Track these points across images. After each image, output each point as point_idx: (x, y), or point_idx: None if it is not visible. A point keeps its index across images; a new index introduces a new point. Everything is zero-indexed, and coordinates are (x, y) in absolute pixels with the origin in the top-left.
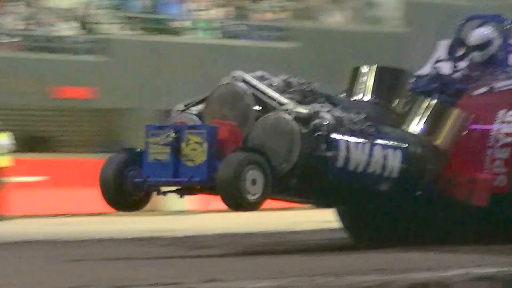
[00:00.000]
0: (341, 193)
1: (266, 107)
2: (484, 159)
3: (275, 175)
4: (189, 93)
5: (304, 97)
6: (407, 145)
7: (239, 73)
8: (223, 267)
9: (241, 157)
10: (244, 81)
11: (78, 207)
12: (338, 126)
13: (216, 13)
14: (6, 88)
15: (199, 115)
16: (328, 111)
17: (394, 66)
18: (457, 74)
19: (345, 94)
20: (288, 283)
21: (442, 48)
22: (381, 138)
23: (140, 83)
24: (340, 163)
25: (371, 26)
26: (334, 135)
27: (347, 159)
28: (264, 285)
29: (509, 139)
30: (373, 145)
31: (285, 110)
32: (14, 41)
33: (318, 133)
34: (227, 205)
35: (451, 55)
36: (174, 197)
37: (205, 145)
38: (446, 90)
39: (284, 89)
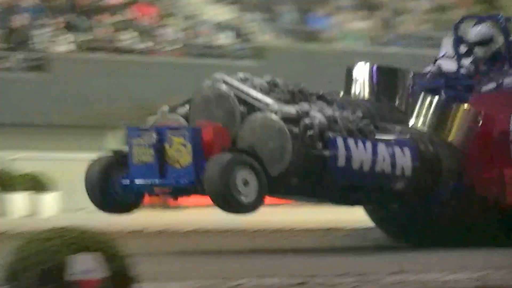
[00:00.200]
0: (349, 192)
1: (252, 109)
2: (510, 155)
3: (270, 175)
4: None
5: (293, 97)
6: (416, 142)
7: (219, 75)
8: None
9: (228, 157)
10: (225, 82)
11: None
12: (332, 125)
13: (362, 24)
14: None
15: (186, 116)
16: (319, 110)
17: (390, 65)
18: (463, 70)
19: (342, 93)
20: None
21: (446, 45)
22: (386, 137)
23: None
24: (341, 162)
25: None
26: (329, 134)
27: (349, 158)
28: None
29: None
30: (375, 143)
31: (271, 110)
32: (175, 49)
33: (309, 132)
34: (219, 207)
35: (456, 52)
36: None
37: (189, 146)
38: (454, 86)
39: (270, 89)
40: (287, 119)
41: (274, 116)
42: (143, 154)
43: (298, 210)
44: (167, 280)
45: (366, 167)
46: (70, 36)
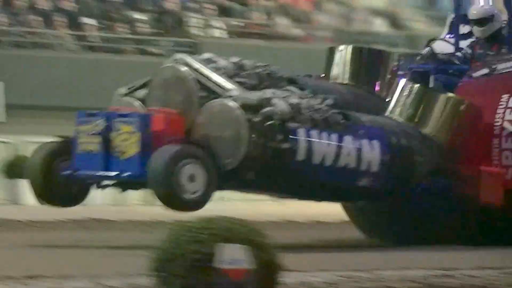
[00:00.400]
0: (309, 188)
1: (214, 94)
2: (491, 150)
3: (222, 169)
4: None
5: (261, 82)
6: (388, 134)
7: (181, 56)
8: None
9: (174, 149)
10: (187, 64)
11: None
12: (296, 114)
13: None
14: None
15: (144, 100)
16: (284, 97)
17: (372, 47)
18: (458, 53)
19: (321, 77)
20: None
21: (449, 24)
22: (354, 127)
23: None
24: (300, 156)
25: None
26: (290, 125)
27: (310, 151)
28: None
29: None
30: (341, 135)
31: (231, 97)
32: (326, 36)
33: (269, 122)
34: (162, 203)
35: (453, 32)
36: None
37: (137, 135)
38: (446, 71)
39: (236, 72)
40: (246, 106)
41: (232, 103)
42: (89, 142)
43: None
44: (311, 271)
45: (328, 162)
46: (223, 21)
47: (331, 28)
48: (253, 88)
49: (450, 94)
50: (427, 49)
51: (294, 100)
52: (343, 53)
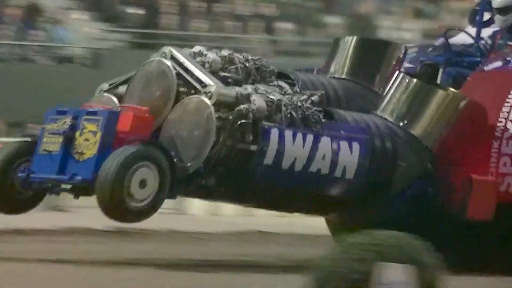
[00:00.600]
0: (275, 197)
1: (196, 89)
2: (489, 155)
3: (181, 174)
4: None
5: (248, 76)
6: (372, 136)
7: (168, 48)
8: None
9: (128, 151)
10: (172, 57)
11: None
12: (274, 112)
13: None
14: None
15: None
16: (263, 94)
17: (377, 38)
18: (478, 44)
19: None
20: None
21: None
22: (334, 127)
23: None
24: (268, 159)
25: None
26: (264, 124)
27: (280, 154)
28: None
29: None
30: (318, 136)
31: (206, 93)
32: None
33: (241, 122)
34: (102, 211)
35: (473, 22)
36: None
37: (99, 135)
38: (459, 63)
39: (224, 66)
40: (221, 103)
41: (206, 100)
42: (50, 142)
43: None
44: None
45: (298, 167)
46: (415, 23)
47: None
48: (238, 83)
49: (450, 90)
50: (440, 39)
51: (275, 96)
52: (346, 45)
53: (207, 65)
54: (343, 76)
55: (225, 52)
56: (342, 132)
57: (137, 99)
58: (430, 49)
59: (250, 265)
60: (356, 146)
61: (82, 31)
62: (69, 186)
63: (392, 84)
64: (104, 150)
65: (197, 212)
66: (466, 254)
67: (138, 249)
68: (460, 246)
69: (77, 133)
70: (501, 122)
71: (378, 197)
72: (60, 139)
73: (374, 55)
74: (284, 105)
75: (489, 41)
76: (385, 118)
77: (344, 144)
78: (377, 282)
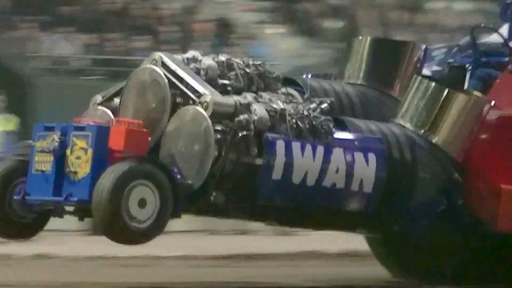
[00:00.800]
0: (287, 213)
1: (192, 100)
2: None
3: (184, 192)
4: None
5: (251, 83)
6: (389, 146)
7: (159, 55)
8: None
9: (124, 168)
10: (163, 64)
11: None
12: (278, 122)
13: None
14: None
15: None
16: (267, 102)
17: (393, 38)
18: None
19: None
20: None
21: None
22: (347, 138)
23: None
24: (277, 173)
25: None
26: (268, 136)
27: (289, 168)
28: None
29: None
30: (330, 147)
31: (202, 103)
32: None
33: (242, 134)
34: (104, 234)
35: (504, 17)
36: None
37: (90, 152)
38: (489, 64)
39: (222, 73)
40: (219, 114)
41: (202, 111)
42: (42, 161)
43: None
44: None
45: (311, 181)
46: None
47: None
48: (240, 91)
49: (473, 94)
50: (465, 38)
51: (278, 105)
52: (361, 47)
53: (202, 72)
54: (359, 81)
55: (222, 57)
56: (355, 142)
57: (132, 111)
58: (455, 49)
59: None
60: (372, 157)
61: (279, 46)
62: (72, 208)
63: (411, 88)
64: (98, 168)
65: None
66: (498, 268)
67: None
68: (491, 260)
69: (68, 151)
70: None
71: (399, 211)
72: (51, 158)
73: (391, 57)
74: (289, 114)
75: None
76: (404, 126)
77: (359, 156)
78: None
